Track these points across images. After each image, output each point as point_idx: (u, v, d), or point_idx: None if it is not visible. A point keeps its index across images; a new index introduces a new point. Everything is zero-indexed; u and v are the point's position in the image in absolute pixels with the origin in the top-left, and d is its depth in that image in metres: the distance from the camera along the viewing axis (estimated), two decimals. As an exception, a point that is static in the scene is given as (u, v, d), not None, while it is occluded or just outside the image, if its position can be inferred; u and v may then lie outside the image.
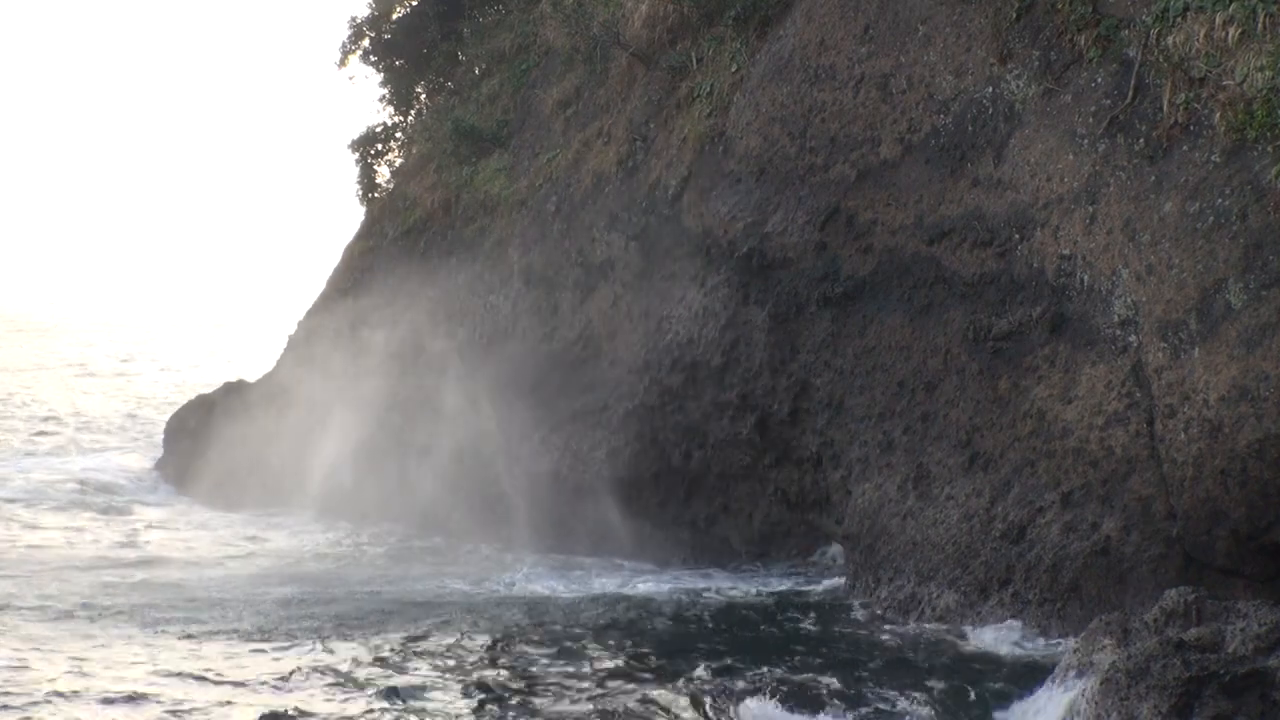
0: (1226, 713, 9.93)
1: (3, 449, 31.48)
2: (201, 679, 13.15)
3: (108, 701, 12.32)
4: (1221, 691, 9.99)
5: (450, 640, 14.75)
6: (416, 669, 13.61)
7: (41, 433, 34.45)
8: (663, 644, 14.61)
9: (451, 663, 13.93)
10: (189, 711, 12.16)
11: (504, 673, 13.59)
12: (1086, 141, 14.04)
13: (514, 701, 12.57)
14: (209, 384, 38.41)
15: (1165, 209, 13.03)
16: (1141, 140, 13.49)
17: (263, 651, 14.21)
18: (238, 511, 24.85)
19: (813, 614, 15.43)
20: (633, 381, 19.61)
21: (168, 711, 12.15)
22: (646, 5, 21.19)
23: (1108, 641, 10.85)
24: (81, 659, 13.66)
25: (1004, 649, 13.37)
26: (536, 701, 12.50)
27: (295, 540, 22.08)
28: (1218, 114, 12.78)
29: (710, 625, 15.42)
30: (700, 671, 13.17)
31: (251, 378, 32.67)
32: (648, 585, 17.44)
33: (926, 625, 14.39)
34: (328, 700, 12.63)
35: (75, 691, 12.55)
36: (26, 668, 13.26)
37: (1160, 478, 12.74)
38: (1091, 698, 10.38)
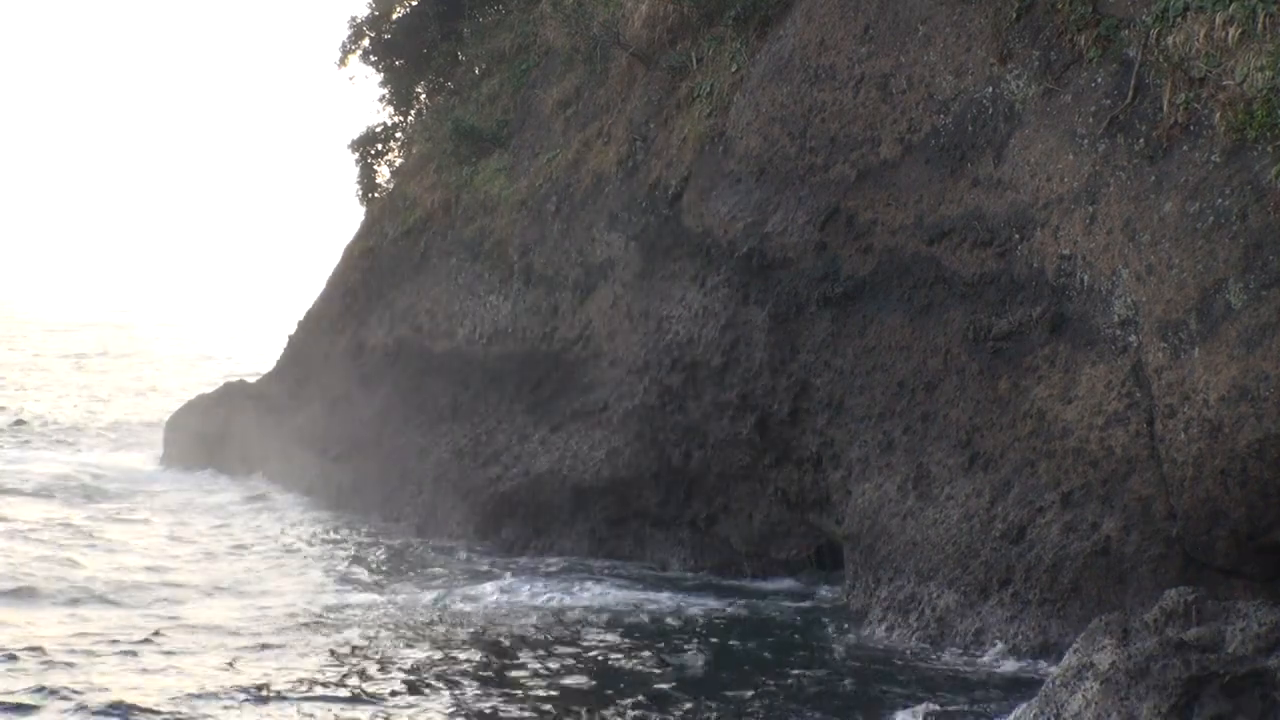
0: (1226, 713, 9.92)
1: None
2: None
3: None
4: (1221, 691, 9.98)
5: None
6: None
7: (34, 431, 34.41)
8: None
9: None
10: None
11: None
12: (1086, 141, 14.04)
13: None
14: (209, 383, 38.41)
15: (1165, 209, 13.03)
16: (1141, 140, 13.48)
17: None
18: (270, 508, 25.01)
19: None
20: (633, 381, 19.61)
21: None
22: (646, 5, 21.19)
23: (1108, 641, 10.84)
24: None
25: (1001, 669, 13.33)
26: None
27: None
28: (1218, 114, 12.77)
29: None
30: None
31: (251, 377, 32.72)
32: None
33: (918, 647, 14.31)
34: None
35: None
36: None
37: (1160, 478, 12.73)
38: (1091, 698, 10.37)
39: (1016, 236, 14.71)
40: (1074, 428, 13.64)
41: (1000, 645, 13.57)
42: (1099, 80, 14.12)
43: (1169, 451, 12.60)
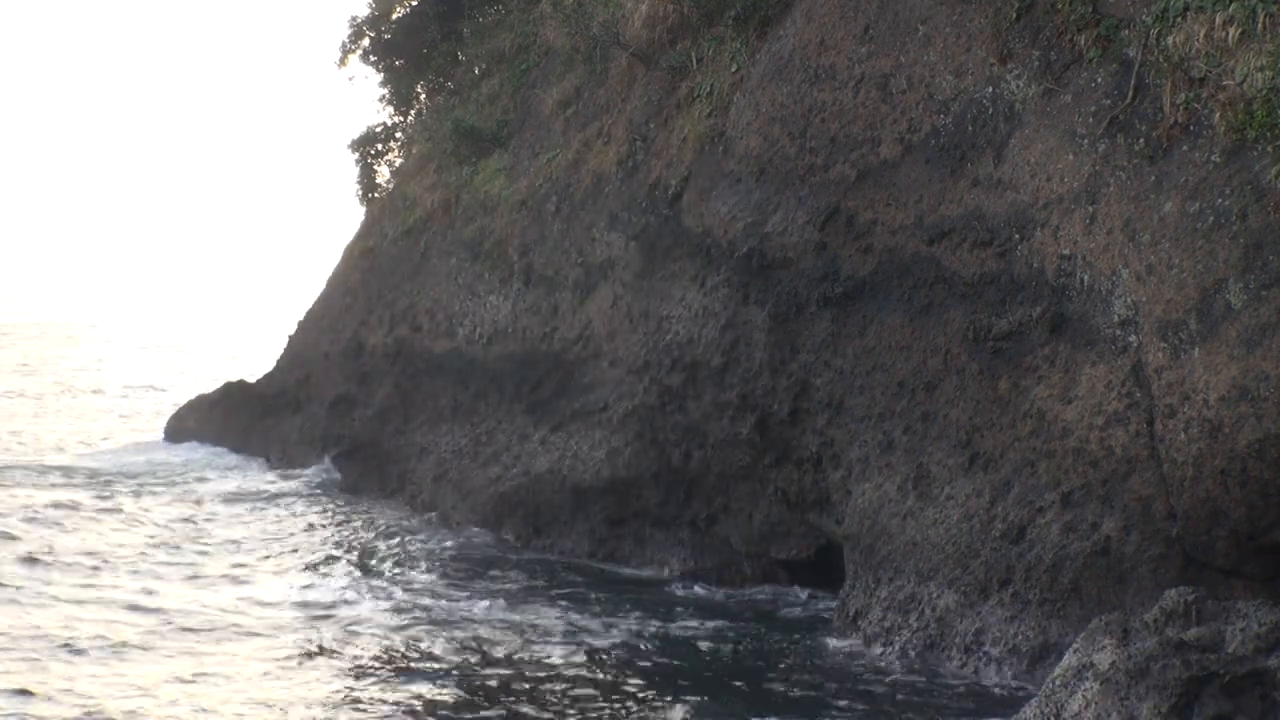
0: (1226, 713, 9.92)
1: (13, 443, 31.42)
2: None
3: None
4: (1221, 691, 9.98)
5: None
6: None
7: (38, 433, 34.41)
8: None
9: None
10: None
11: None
12: (1086, 141, 14.04)
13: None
14: (209, 382, 38.38)
15: (1165, 209, 13.03)
16: (1141, 140, 13.48)
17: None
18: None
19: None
20: (633, 381, 19.61)
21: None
22: (646, 5, 21.20)
23: (1108, 641, 10.84)
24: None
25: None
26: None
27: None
28: (1218, 114, 12.77)
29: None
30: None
31: (251, 377, 32.73)
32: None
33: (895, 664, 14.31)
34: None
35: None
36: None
37: (1160, 478, 12.73)
38: (1091, 698, 10.37)
39: (1016, 236, 14.71)
40: (1074, 428, 13.64)
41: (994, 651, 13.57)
42: (1099, 80, 14.12)
43: (1169, 451, 12.59)
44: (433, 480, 23.02)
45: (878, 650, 14.55)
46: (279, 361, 30.98)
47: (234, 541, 20.99)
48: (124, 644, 14.80)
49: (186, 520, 22.44)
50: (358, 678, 13.81)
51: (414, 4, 30.89)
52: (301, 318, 30.81)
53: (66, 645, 14.44)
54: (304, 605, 16.85)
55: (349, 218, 42.51)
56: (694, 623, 16.26)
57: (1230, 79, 12.71)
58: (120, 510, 22.96)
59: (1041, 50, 14.78)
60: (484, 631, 15.73)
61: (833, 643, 15.08)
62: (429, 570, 18.96)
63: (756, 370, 17.77)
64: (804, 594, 17.53)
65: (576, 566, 19.27)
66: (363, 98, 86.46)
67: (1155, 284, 12.96)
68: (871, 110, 16.65)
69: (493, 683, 13.71)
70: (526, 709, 12.93)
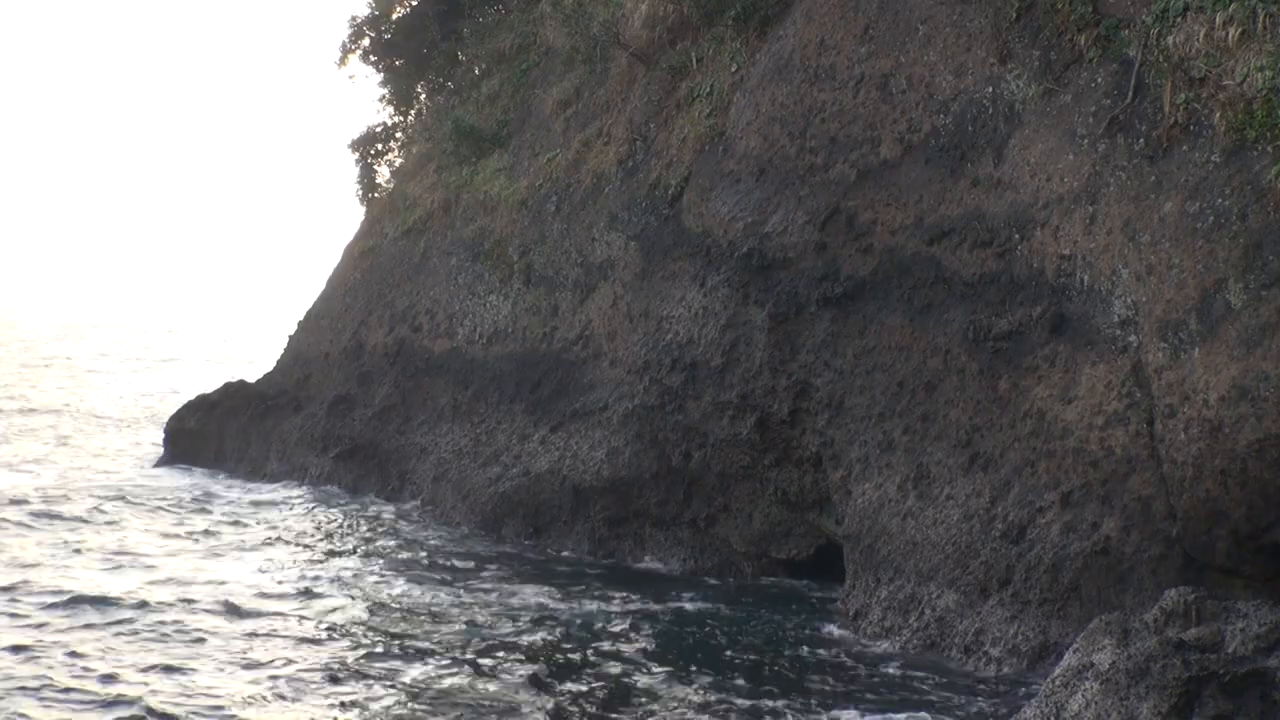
0: (1226, 713, 9.93)
1: (17, 452, 31.37)
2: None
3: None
4: (1221, 691, 9.99)
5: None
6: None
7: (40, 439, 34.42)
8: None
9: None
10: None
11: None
12: (1086, 141, 14.04)
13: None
14: (210, 382, 38.37)
15: (1165, 209, 13.03)
16: (1141, 140, 13.49)
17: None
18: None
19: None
20: (633, 381, 19.62)
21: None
22: (646, 5, 21.21)
23: (1108, 641, 10.85)
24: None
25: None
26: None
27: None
28: (1218, 114, 12.78)
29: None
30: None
31: (252, 377, 32.71)
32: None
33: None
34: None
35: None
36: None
37: (1160, 478, 12.74)
38: (1091, 698, 10.37)
39: (1016, 236, 14.72)
40: (1074, 428, 13.64)
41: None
42: (1099, 80, 14.12)
43: (1169, 451, 12.60)
44: (433, 480, 23.03)
45: (878, 649, 14.56)
46: (279, 361, 30.97)
47: (235, 539, 21.01)
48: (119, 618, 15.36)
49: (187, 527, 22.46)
50: (357, 674, 13.80)
51: (414, 4, 30.90)
52: (301, 318, 30.81)
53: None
54: (299, 602, 16.86)
55: (349, 218, 42.59)
56: (694, 607, 16.40)
57: (1230, 79, 12.72)
58: (139, 520, 22.98)
59: (1041, 50, 14.78)
60: (480, 625, 15.75)
61: (833, 636, 15.14)
62: (428, 569, 18.95)
63: (756, 370, 17.77)
64: (807, 588, 17.60)
65: (575, 563, 19.30)
66: (363, 98, 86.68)
67: (1155, 284, 12.96)
68: (871, 110, 16.65)
69: (491, 675, 13.71)
70: (528, 698, 12.95)
